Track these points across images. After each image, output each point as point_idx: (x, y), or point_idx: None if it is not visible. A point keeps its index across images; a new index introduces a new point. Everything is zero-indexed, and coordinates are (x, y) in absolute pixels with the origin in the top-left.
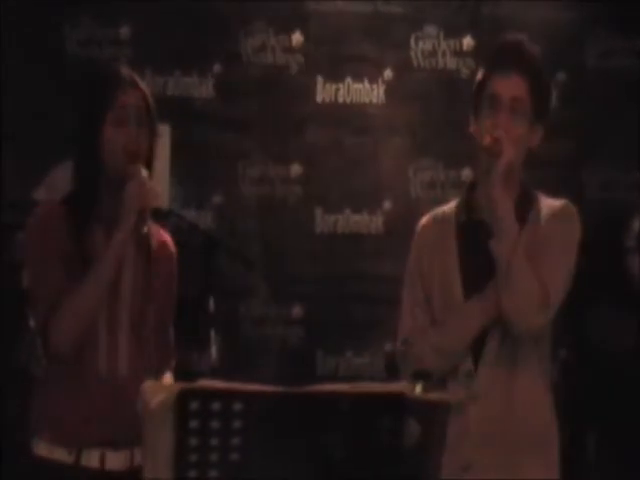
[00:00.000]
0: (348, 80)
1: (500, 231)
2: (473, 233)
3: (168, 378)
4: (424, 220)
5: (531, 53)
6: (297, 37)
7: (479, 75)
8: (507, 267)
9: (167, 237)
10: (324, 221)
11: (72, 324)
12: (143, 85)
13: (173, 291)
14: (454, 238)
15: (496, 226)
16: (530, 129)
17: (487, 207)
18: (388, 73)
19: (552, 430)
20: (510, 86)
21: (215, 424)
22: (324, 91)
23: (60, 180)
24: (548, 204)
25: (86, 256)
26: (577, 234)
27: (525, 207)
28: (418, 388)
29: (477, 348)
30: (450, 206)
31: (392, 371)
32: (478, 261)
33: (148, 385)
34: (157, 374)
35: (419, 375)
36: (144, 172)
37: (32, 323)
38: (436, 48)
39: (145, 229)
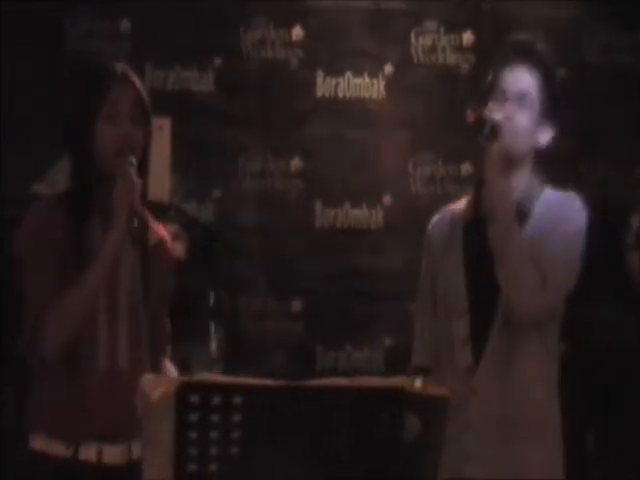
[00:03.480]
0: (348, 75)
1: (495, 214)
2: (479, 230)
3: (170, 367)
4: (434, 218)
5: (542, 51)
6: (297, 31)
7: (489, 77)
8: (502, 248)
9: (164, 231)
10: (324, 215)
11: (66, 324)
12: (138, 81)
13: (169, 282)
14: (461, 236)
15: (492, 209)
16: (537, 126)
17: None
18: (388, 68)
19: (554, 423)
20: (518, 80)
21: (215, 418)
22: (324, 86)
23: (62, 175)
24: (554, 197)
25: (84, 250)
26: (580, 224)
27: (530, 199)
28: (418, 383)
29: (478, 343)
30: (461, 203)
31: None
32: (484, 259)
33: (147, 378)
34: (152, 364)
35: (419, 370)
36: (133, 170)
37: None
38: (436, 43)
39: (135, 223)
